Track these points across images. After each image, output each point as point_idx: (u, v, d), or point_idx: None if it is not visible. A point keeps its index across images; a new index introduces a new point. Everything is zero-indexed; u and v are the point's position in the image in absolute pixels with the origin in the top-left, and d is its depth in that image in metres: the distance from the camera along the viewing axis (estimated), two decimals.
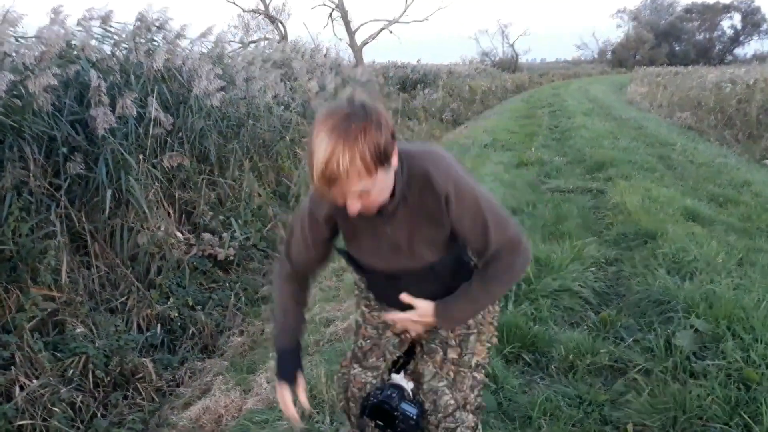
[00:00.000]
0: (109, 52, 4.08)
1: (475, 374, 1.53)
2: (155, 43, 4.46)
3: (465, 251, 1.45)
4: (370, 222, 1.33)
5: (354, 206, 1.20)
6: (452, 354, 1.51)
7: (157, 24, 4.35)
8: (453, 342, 1.51)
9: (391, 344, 1.59)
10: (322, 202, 1.32)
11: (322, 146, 1.11)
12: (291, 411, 1.47)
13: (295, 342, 1.51)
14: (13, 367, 2.59)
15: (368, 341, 1.61)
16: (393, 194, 1.28)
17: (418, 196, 1.31)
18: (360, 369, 1.61)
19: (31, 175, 3.23)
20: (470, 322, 1.52)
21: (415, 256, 1.39)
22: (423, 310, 1.42)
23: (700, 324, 2.73)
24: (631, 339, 2.76)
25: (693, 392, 2.25)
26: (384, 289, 1.52)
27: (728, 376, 2.34)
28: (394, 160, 1.22)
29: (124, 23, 4.30)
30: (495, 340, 1.60)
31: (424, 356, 1.54)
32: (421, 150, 1.35)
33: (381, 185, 1.20)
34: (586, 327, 2.94)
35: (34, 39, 3.62)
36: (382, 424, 1.47)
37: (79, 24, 4.00)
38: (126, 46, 4.28)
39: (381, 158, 1.15)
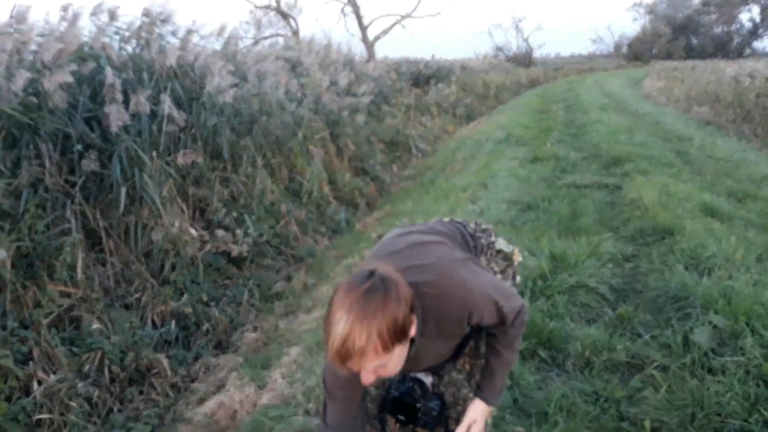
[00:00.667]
0: (118, 49, 4.10)
1: None
2: (166, 40, 4.48)
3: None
4: None
5: (368, 378, 1.19)
6: (467, 347, 1.53)
7: (161, 18, 4.36)
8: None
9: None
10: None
11: (339, 325, 1.11)
12: None
13: None
14: (31, 362, 2.62)
15: None
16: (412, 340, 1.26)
17: (436, 329, 1.32)
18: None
19: (46, 172, 3.26)
20: None
21: (436, 360, 1.47)
22: (476, 416, 1.49)
23: (719, 320, 2.69)
24: (648, 335, 2.73)
25: (711, 389, 2.21)
26: None
27: (747, 373, 2.31)
28: (413, 330, 1.21)
29: (131, 18, 4.32)
30: None
31: None
32: (432, 283, 1.31)
33: (397, 359, 1.19)
34: (602, 323, 2.90)
35: (51, 36, 3.67)
36: (403, 418, 1.46)
37: (91, 20, 4.04)
38: (135, 42, 4.31)
39: (399, 335, 1.15)
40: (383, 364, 1.16)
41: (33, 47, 3.62)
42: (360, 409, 1.44)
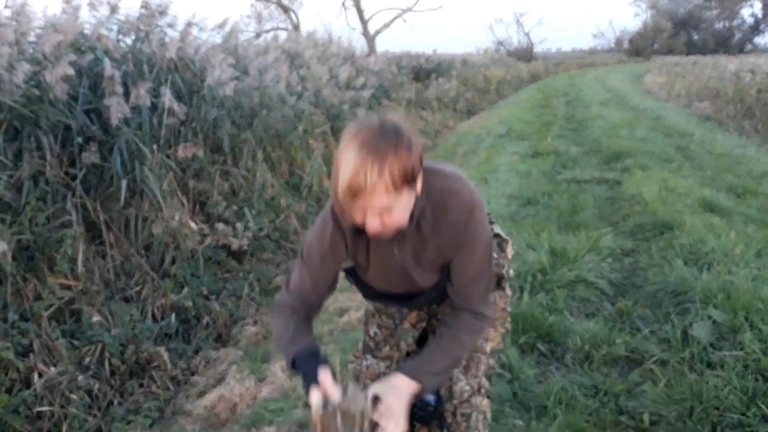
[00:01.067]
0: (116, 40, 4.09)
1: (490, 360, 1.53)
2: (165, 33, 4.46)
3: None
4: (378, 245, 1.31)
5: (374, 224, 1.17)
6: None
7: (160, 10, 4.34)
8: None
9: (409, 335, 1.58)
10: (341, 218, 1.28)
11: (351, 158, 1.10)
12: None
13: (306, 344, 1.32)
14: (31, 354, 2.62)
15: (383, 330, 1.60)
16: (410, 218, 1.25)
17: (432, 226, 1.29)
18: (373, 359, 1.60)
19: (47, 164, 3.26)
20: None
21: (418, 281, 1.38)
22: (394, 400, 1.24)
23: (718, 315, 2.70)
24: (647, 330, 2.74)
25: (710, 383, 2.22)
26: (386, 301, 1.54)
27: (746, 367, 2.32)
28: (419, 186, 1.20)
29: (130, 11, 4.31)
30: (508, 325, 1.59)
31: None
32: (445, 176, 1.31)
33: (403, 206, 1.18)
34: (602, 317, 2.91)
35: (51, 28, 3.66)
36: None
37: (90, 12, 4.03)
38: (135, 34, 4.30)
39: (408, 178, 1.14)
40: (389, 207, 1.14)
41: (32, 38, 3.60)
42: (325, 291, 1.41)
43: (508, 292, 1.57)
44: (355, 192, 1.10)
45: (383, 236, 1.22)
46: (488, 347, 1.52)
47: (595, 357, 2.53)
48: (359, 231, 1.25)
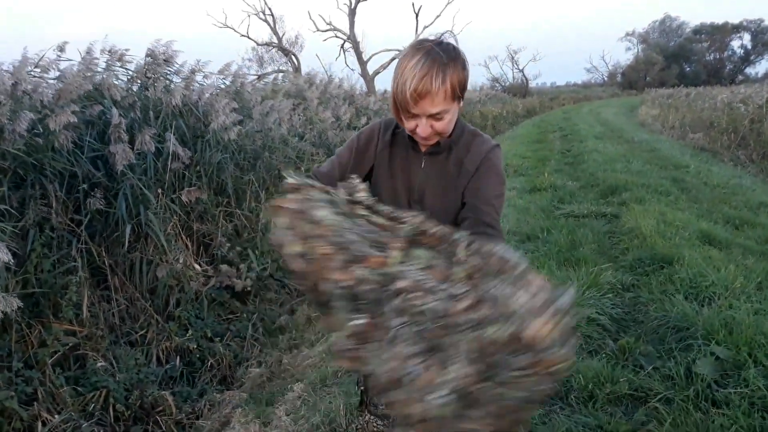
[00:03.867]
0: (126, 90, 4.20)
1: None
2: (170, 80, 4.58)
3: None
4: (406, 157, 1.45)
5: (425, 128, 1.31)
6: None
7: (164, 57, 4.46)
8: None
9: None
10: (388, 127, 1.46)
11: (419, 66, 1.24)
12: None
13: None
14: (35, 403, 2.62)
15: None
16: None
17: (460, 152, 1.42)
18: (371, 416, 1.60)
19: (52, 211, 3.31)
20: None
21: (426, 202, 1.43)
22: None
23: (721, 351, 2.70)
24: (650, 367, 2.73)
25: (716, 421, 2.22)
26: None
27: (752, 405, 2.32)
28: (461, 104, 1.35)
29: (137, 59, 4.43)
30: None
31: None
32: (476, 129, 1.49)
33: (452, 116, 1.34)
34: (604, 355, 2.91)
35: (54, 80, 3.76)
36: None
37: (99, 62, 4.14)
38: (140, 82, 4.41)
39: (462, 90, 1.30)
40: (445, 112, 1.29)
41: (26, 86, 3.67)
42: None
43: None
44: (420, 94, 1.25)
45: (428, 141, 1.37)
46: None
47: (599, 396, 2.52)
48: (393, 143, 1.44)
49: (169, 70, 4.59)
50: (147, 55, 4.40)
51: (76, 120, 3.43)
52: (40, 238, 3.15)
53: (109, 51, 4.16)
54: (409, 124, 1.33)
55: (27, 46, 3.65)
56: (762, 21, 43.61)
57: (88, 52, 3.93)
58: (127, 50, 4.21)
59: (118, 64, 4.18)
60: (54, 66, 3.71)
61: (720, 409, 2.32)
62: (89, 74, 3.88)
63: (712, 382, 2.51)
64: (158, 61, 4.35)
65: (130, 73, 4.38)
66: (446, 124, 1.33)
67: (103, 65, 4.11)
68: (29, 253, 3.08)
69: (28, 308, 2.98)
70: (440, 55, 1.25)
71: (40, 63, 3.65)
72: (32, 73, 3.70)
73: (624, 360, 2.85)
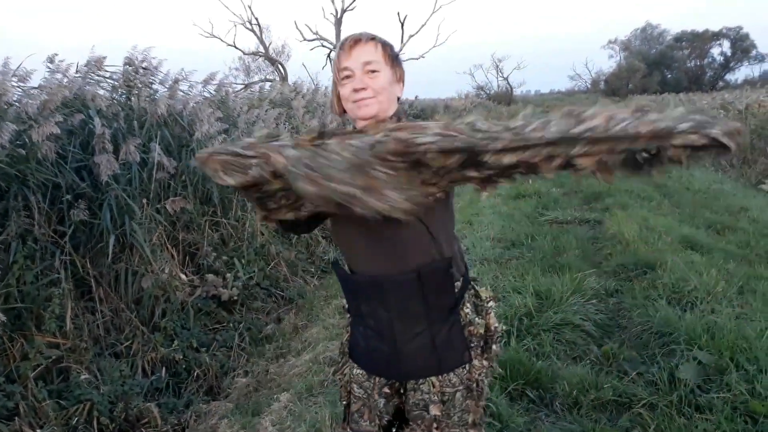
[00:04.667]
0: (111, 99, 4.17)
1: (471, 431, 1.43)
2: (154, 89, 4.56)
3: (452, 264, 1.36)
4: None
5: (359, 82, 1.31)
6: (435, 411, 1.39)
7: (143, 66, 4.44)
8: (435, 398, 1.39)
9: (380, 406, 1.50)
10: None
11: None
12: None
13: None
14: (17, 418, 2.58)
15: (357, 402, 1.53)
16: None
17: None
18: None
19: (35, 223, 3.27)
20: (454, 379, 1.39)
21: (399, 249, 1.31)
22: None
23: (703, 356, 2.74)
24: (634, 372, 2.76)
25: (699, 426, 2.25)
26: (367, 303, 1.41)
27: (734, 409, 2.35)
28: (399, 89, 1.40)
29: (114, 67, 4.41)
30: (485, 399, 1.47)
31: (410, 423, 1.45)
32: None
33: (387, 82, 1.34)
34: (588, 361, 2.94)
35: (36, 89, 3.73)
36: None
37: (78, 72, 4.12)
38: (122, 92, 4.39)
39: (393, 57, 1.36)
40: (377, 69, 1.32)
41: (11, 98, 3.64)
42: None
43: (484, 362, 1.42)
44: (353, 42, 1.32)
45: (364, 100, 1.33)
46: (470, 419, 1.43)
47: (584, 402, 2.54)
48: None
49: (154, 80, 4.57)
50: (125, 63, 4.38)
51: (59, 131, 3.41)
52: (22, 249, 3.11)
53: (88, 59, 4.14)
54: (344, 90, 1.34)
55: (9, 57, 3.63)
56: (741, 28, 44.36)
57: (50, 60, 3.90)
58: (104, 57, 4.18)
59: (98, 72, 4.15)
60: (29, 77, 3.68)
61: (703, 414, 2.35)
62: (66, 82, 3.85)
63: (695, 387, 2.55)
64: (136, 68, 4.32)
65: (112, 81, 4.35)
66: (381, 86, 1.33)
67: (84, 71, 4.09)
68: (11, 265, 3.04)
69: (10, 321, 2.94)
70: (372, 32, 1.36)
71: (17, 72, 3.61)
72: (13, 83, 3.66)
73: (608, 366, 2.88)
